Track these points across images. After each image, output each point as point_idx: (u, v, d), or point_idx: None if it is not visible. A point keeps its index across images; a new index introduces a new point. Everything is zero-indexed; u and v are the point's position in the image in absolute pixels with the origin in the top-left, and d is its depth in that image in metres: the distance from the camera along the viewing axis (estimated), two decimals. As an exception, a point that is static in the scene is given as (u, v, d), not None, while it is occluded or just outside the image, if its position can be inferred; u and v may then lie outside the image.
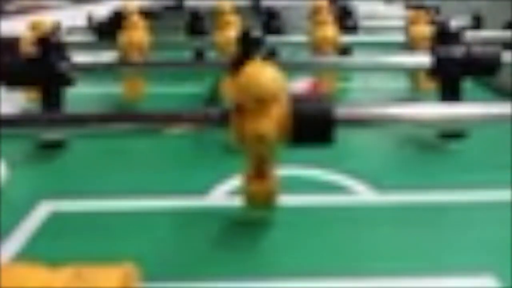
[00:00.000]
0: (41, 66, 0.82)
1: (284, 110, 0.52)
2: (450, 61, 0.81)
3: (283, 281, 0.49)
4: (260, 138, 0.50)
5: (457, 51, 0.81)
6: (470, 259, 0.53)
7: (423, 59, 0.86)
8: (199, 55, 1.30)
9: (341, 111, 0.55)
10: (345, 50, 1.24)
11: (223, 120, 0.55)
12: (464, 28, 1.42)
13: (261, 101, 0.51)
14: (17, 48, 1.06)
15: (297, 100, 0.52)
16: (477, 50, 0.81)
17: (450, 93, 0.82)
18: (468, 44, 0.82)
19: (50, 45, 0.83)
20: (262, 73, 0.52)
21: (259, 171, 0.55)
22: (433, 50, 0.84)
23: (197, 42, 1.27)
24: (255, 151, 0.53)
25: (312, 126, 0.52)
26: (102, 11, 1.67)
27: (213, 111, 0.58)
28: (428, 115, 0.61)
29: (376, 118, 0.59)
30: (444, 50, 0.82)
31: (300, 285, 0.49)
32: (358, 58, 1.05)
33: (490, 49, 0.82)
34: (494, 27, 1.37)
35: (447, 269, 0.51)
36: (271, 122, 0.51)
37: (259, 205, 0.57)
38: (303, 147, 0.53)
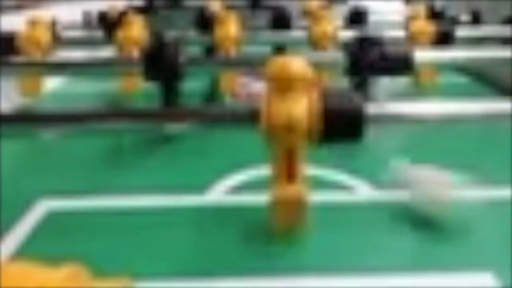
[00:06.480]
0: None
1: (314, 98, 0.50)
2: (363, 60, 0.81)
3: (283, 279, 0.49)
4: (290, 119, 0.49)
5: (370, 50, 0.80)
6: (469, 256, 0.52)
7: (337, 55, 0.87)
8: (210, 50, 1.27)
9: (372, 108, 0.54)
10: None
11: (252, 116, 0.53)
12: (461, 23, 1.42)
13: (290, 81, 0.50)
14: (14, 43, 1.05)
15: (327, 96, 0.51)
16: (390, 50, 0.80)
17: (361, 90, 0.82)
18: (381, 44, 0.81)
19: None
20: (291, 60, 0.52)
21: (288, 169, 0.51)
22: (346, 49, 0.85)
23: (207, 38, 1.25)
24: (285, 139, 0.50)
25: (343, 123, 0.50)
26: (97, 7, 1.66)
27: (242, 108, 0.57)
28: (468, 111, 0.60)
29: (406, 115, 0.58)
30: (357, 49, 0.82)
31: (299, 282, 0.49)
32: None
33: (402, 49, 0.82)
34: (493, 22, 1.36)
35: (446, 267, 0.50)
36: (300, 103, 0.50)
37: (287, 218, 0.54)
38: (333, 144, 0.52)
